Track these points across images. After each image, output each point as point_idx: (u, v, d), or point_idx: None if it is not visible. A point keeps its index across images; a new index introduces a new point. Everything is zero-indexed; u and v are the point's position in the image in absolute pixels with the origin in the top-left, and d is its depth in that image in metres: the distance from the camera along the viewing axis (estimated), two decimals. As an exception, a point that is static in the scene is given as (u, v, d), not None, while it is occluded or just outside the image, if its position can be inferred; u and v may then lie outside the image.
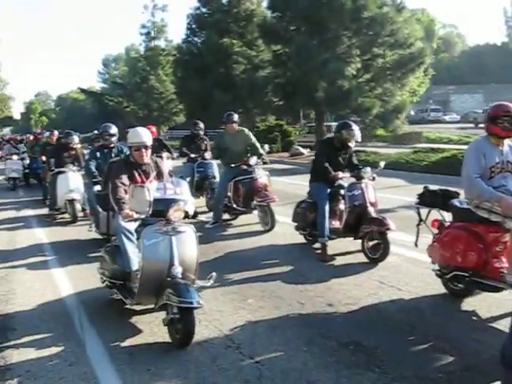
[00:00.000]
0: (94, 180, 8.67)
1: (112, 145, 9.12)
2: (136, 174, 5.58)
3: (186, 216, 4.94)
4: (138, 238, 5.17)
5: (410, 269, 6.76)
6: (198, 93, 31.43)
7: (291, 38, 25.08)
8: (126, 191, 5.26)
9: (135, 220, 5.07)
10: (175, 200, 4.82)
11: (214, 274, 5.10)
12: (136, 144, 5.59)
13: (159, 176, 5.74)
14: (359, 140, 7.79)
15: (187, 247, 4.90)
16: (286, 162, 24.05)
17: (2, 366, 4.56)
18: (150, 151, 5.67)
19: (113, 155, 8.89)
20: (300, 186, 14.34)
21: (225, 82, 30.61)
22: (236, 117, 10.04)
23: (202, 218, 5.00)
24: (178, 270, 4.73)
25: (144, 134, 5.61)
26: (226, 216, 10.26)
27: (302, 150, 26.13)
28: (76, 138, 11.99)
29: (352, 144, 7.71)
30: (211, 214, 10.37)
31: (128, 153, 5.96)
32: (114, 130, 9.24)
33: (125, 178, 5.40)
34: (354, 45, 24.27)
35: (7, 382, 4.28)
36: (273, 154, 26.65)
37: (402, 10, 23.99)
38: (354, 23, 23.29)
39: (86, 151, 19.84)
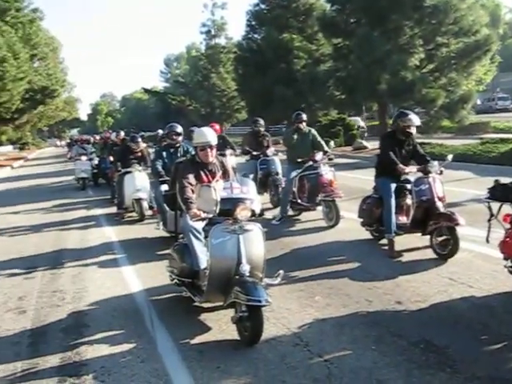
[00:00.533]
0: (161, 179, 8.85)
1: (178, 144, 9.26)
2: (202, 174, 5.66)
3: (253, 214, 4.97)
4: (205, 237, 5.25)
5: (481, 265, 6.58)
6: (260, 89, 31.47)
7: (352, 30, 24.77)
8: (193, 191, 5.34)
9: (203, 219, 5.15)
10: (242, 199, 4.87)
11: (281, 271, 5.13)
12: (201, 144, 5.66)
13: (225, 175, 5.82)
14: (418, 123, 7.57)
15: (254, 245, 4.94)
16: (350, 156, 23.81)
17: (77, 361, 4.73)
18: (214, 150, 5.74)
19: (178, 155, 9.04)
20: (364, 180, 14.19)
21: (286, 77, 30.52)
22: (304, 116, 10.11)
23: (268, 216, 5.02)
24: (245, 268, 4.78)
25: (209, 134, 5.67)
26: (289, 212, 10.28)
27: (365, 143, 25.80)
28: (140, 143, 12.20)
29: (413, 130, 7.51)
30: (276, 210, 10.45)
31: (193, 152, 6.05)
32: (180, 129, 9.38)
33: (191, 178, 5.47)
34: (416, 35, 23.70)
35: (83, 377, 4.44)
36: (336, 148, 26.42)
37: (466, -3, 23.26)
38: (415, 12, 22.74)
39: (151, 150, 20.38)
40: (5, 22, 33.39)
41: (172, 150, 9.17)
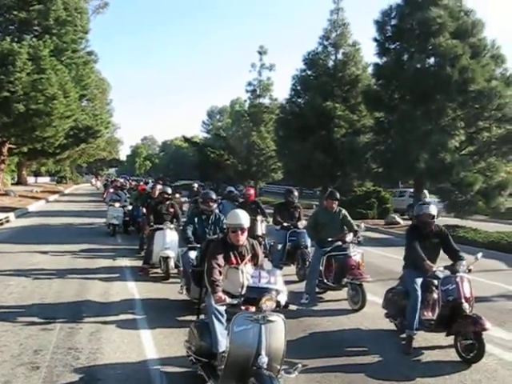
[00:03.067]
0: (190, 246, 8.89)
1: (211, 211, 9.30)
2: (231, 255, 5.67)
3: (278, 305, 4.91)
4: (227, 319, 5.20)
5: (507, 376, 6.32)
6: (298, 153, 31.62)
7: (395, 106, 25.01)
8: (220, 272, 5.35)
9: (227, 304, 5.11)
10: (269, 289, 4.81)
11: (299, 365, 5.00)
12: (233, 226, 5.70)
13: (254, 258, 5.81)
14: (433, 213, 7.48)
15: (276, 337, 4.84)
16: (381, 231, 23.56)
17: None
18: (246, 234, 5.76)
19: (210, 222, 9.11)
20: (393, 260, 14.04)
21: (325, 144, 30.72)
22: (338, 195, 10.07)
23: (292, 307, 4.93)
24: (264, 360, 4.68)
25: (242, 217, 5.71)
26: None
27: (398, 219, 25.61)
28: (169, 190, 12.74)
29: (430, 219, 7.46)
30: (301, 284, 10.34)
31: (225, 221, 6.05)
32: (215, 196, 9.45)
33: (220, 259, 5.50)
34: (458, 117, 23.82)
35: None
36: (367, 220, 26.30)
37: (511, 84, 23.33)
38: (460, 95, 22.86)
39: (183, 199, 20.59)
40: (60, 61, 34.54)
41: (204, 217, 9.21)
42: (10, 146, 38.52)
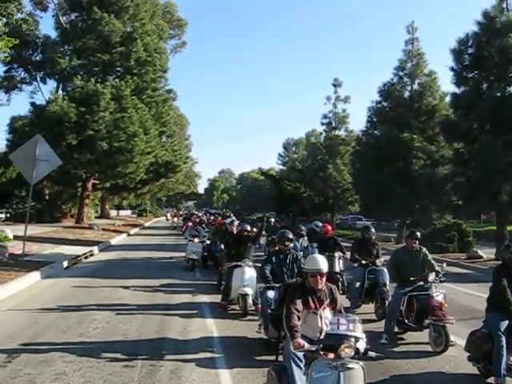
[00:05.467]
0: (268, 285, 8.98)
1: (288, 251, 9.40)
2: (310, 300, 5.67)
3: (357, 353, 4.88)
4: (305, 364, 5.20)
5: None
6: (375, 185, 31.36)
7: (474, 136, 24.44)
8: (299, 317, 5.38)
9: (305, 351, 5.11)
10: (347, 336, 4.80)
11: (379, 414, 4.94)
12: (312, 271, 5.72)
13: (332, 303, 5.79)
14: None
15: (354, 384, 4.81)
16: (463, 266, 22.76)
17: None
18: (325, 278, 5.76)
19: (287, 261, 9.21)
20: (476, 297, 13.59)
21: (403, 176, 30.29)
22: (418, 235, 9.96)
23: (372, 354, 4.85)
24: (342, 407, 4.66)
25: (321, 262, 5.73)
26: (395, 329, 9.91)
27: (480, 252, 24.71)
28: (248, 227, 12.81)
29: None
30: (379, 323, 10.17)
31: (302, 260, 6.06)
32: (291, 235, 9.59)
33: (299, 304, 5.52)
34: (542, 146, 22.99)
35: None
36: (448, 254, 25.55)
37: None
38: (544, 122, 22.16)
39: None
40: (141, 100, 36.03)
41: (282, 256, 9.33)
42: (94, 181, 40.29)
